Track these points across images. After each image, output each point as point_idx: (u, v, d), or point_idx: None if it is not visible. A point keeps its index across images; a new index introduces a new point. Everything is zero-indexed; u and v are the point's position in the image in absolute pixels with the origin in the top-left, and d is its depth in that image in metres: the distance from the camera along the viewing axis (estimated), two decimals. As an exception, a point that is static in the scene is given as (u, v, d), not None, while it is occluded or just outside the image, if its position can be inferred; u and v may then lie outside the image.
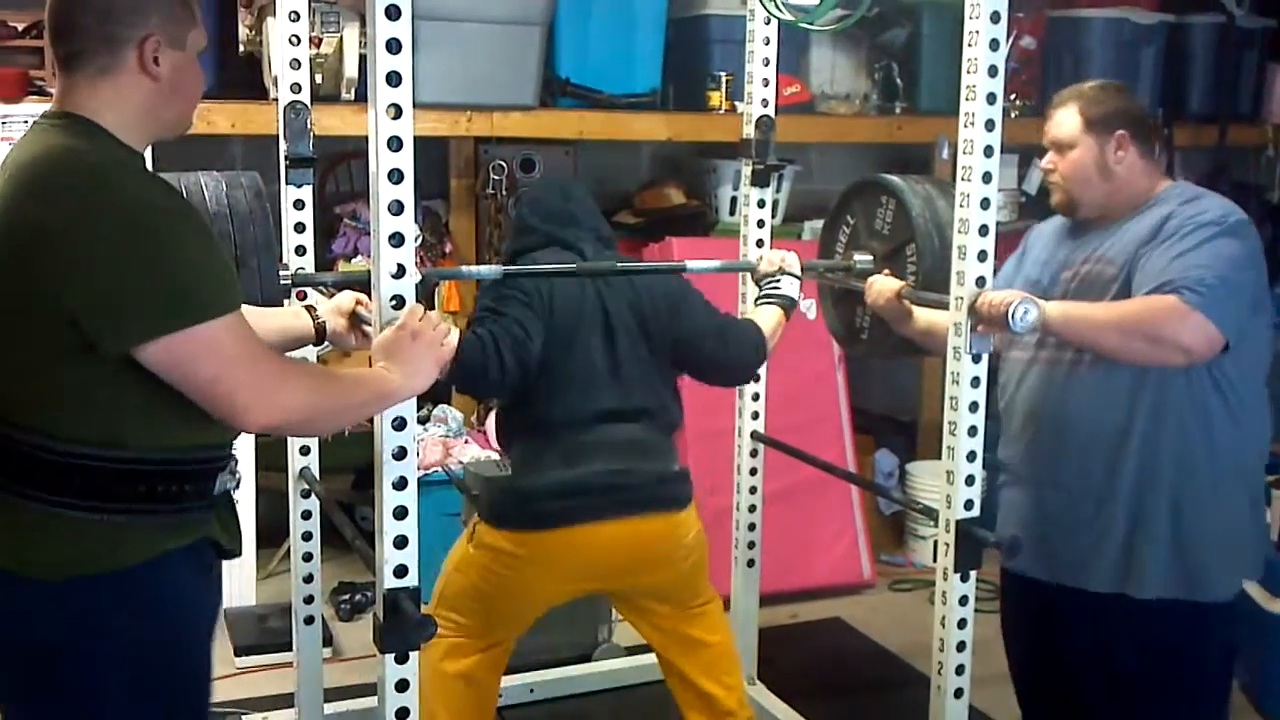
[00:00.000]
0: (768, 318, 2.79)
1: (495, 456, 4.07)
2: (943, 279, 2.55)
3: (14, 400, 1.77)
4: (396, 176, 1.95)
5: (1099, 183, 2.51)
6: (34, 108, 3.75)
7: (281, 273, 2.61)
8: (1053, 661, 2.62)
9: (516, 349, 2.51)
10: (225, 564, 1.99)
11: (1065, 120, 2.54)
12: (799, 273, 2.90)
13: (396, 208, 1.96)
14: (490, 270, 2.74)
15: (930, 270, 2.78)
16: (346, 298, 2.48)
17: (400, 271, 1.99)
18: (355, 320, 2.45)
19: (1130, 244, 2.44)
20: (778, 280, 2.87)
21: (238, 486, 1.96)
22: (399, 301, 2.00)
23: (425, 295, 2.56)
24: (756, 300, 2.89)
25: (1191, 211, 2.41)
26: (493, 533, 2.59)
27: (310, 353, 2.56)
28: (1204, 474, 2.42)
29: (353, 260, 4.31)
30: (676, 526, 2.65)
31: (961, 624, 2.47)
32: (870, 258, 2.97)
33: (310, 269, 2.93)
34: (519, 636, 2.79)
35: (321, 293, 2.72)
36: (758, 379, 2.92)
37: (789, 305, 2.85)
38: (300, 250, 2.92)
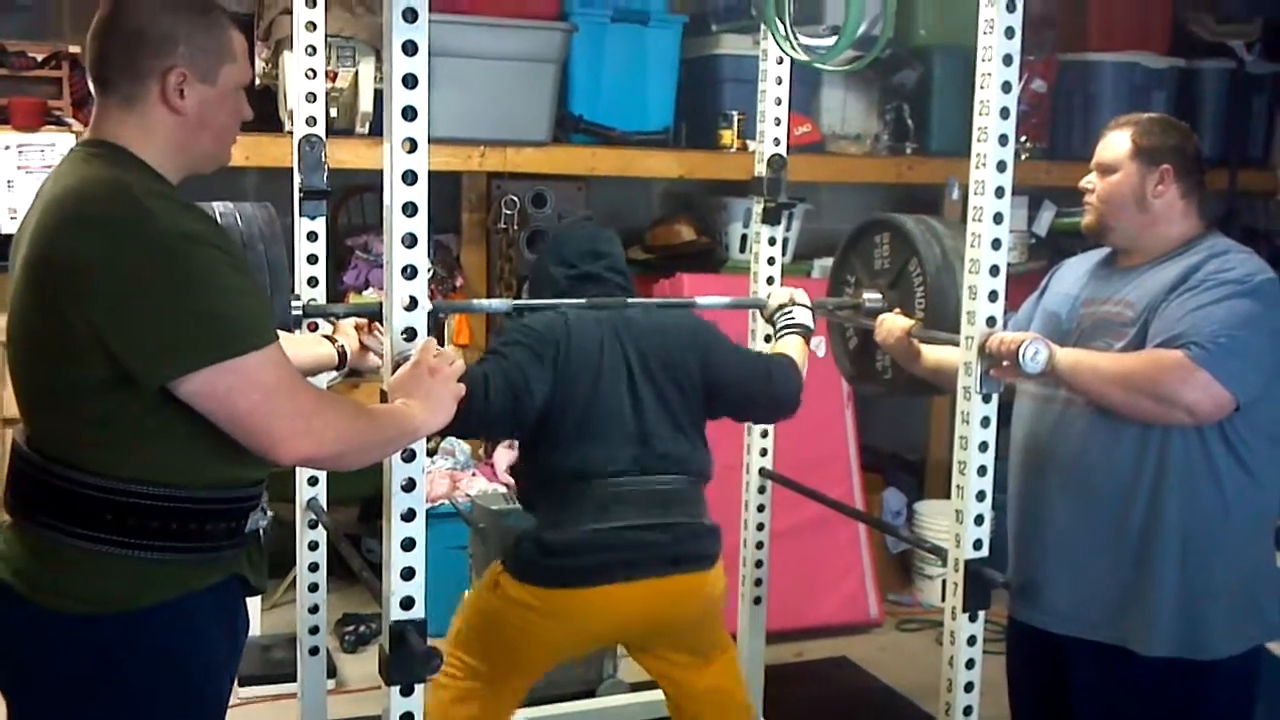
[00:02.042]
0: (795, 348, 2.76)
1: (502, 490, 4.07)
2: (950, 284, 2.58)
3: (51, 435, 1.78)
4: (410, 210, 1.96)
5: (1133, 212, 2.46)
6: (52, 137, 3.80)
7: (293, 303, 2.63)
8: (1056, 712, 2.57)
9: (510, 390, 2.44)
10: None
11: (1115, 143, 2.49)
12: (809, 303, 2.89)
13: (410, 240, 1.97)
14: (500, 304, 2.75)
15: (936, 276, 2.79)
16: (350, 320, 2.50)
17: (413, 304, 2.00)
18: (363, 345, 2.49)
19: (1152, 290, 2.40)
20: (791, 311, 2.86)
21: (269, 525, 1.95)
22: (410, 334, 2.01)
23: (435, 328, 2.58)
24: (776, 332, 2.87)
25: (1217, 266, 2.36)
26: (518, 586, 2.51)
27: (321, 380, 2.57)
28: (1213, 530, 2.37)
29: (364, 293, 4.33)
30: (706, 584, 2.58)
31: (969, 664, 2.46)
32: (879, 296, 2.98)
33: (322, 300, 2.94)
34: (530, 686, 2.71)
35: (330, 323, 2.74)
36: (793, 412, 2.80)
37: (808, 334, 2.83)
38: (313, 281, 2.93)
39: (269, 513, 1.93)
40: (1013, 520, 2.63)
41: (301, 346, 2.40)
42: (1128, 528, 2.39)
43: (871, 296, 3.00)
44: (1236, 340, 2.27)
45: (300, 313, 2.68)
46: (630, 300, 2.66)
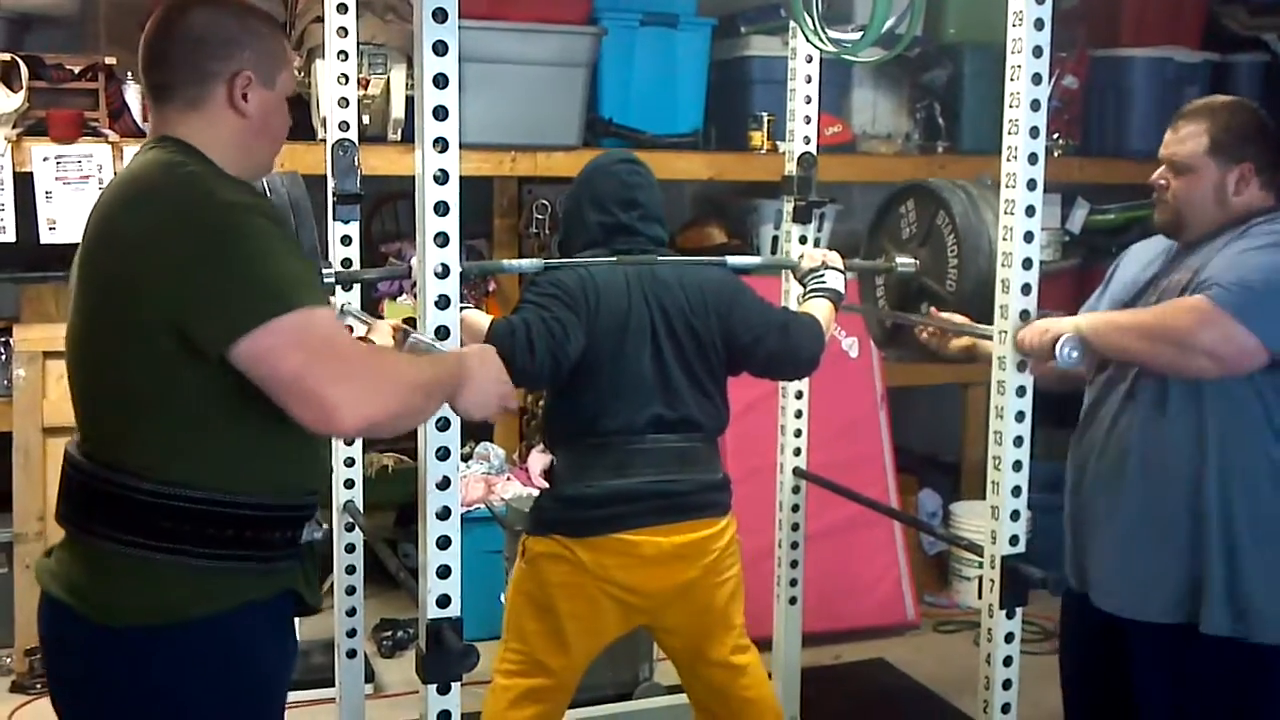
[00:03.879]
0: (820, 310, 2.77)
1: (537, 493, 4.07)
2: (980, 223, 2.59)
3: (105, 437, 1.76)
4: (442, 209, 1.98)
5: (1213, 211, 2.38)
6: (89, 148, 3.84)
7: (325, 270, 2.59)
8: (1113, 697, 2.55)
9: (551, 344, 2.48)
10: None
11: (1190, 139, 2.38)
12: (842, 267, 2.89)
13: (442, 240, 1.98)
14: (530, 263, 2.73)
15: (964, 217, 2.77)
16: (385, 329, 2.47)
17: (445, 302, 2.01)
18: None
19: (1212, 256, 2.34)
20: (822, 275, 2.85)
21: (323, 539, 1.93)
22: (444, 332, 2.01)
23: (475, 296, 2.57)
24: (804, 295, 2.87)
25: (1270, 219, 2.32)
26: (541, 540, 2.60)
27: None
28: (1267, 512, 2.34)
29: (398, 299, 4.36)
30: (718, 531, 2.64)
31: (1007, 661, 2.45)
32: (912, 260, 2.97)
33: (357, 304, 2.96)
34: (580, 670, 2.73)
35: (358, 320, 2.76)
36: (812, 370, 2.81)
37: (837, 299, 2.82)
38: (347, 286, 2.95)
39: (323, 525, 1.91)
40: (1070, 507, 2.59)
41: None
42: (1184, 511, 2.37)
43: (904, 260, 2.98)
44: (1271, 286, 2.19)
45: (333, 279, 2.67)
46: (659, 259, 2.67)
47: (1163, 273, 2.47)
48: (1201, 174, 2.38)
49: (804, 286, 2.89)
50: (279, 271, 1.67)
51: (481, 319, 2.53)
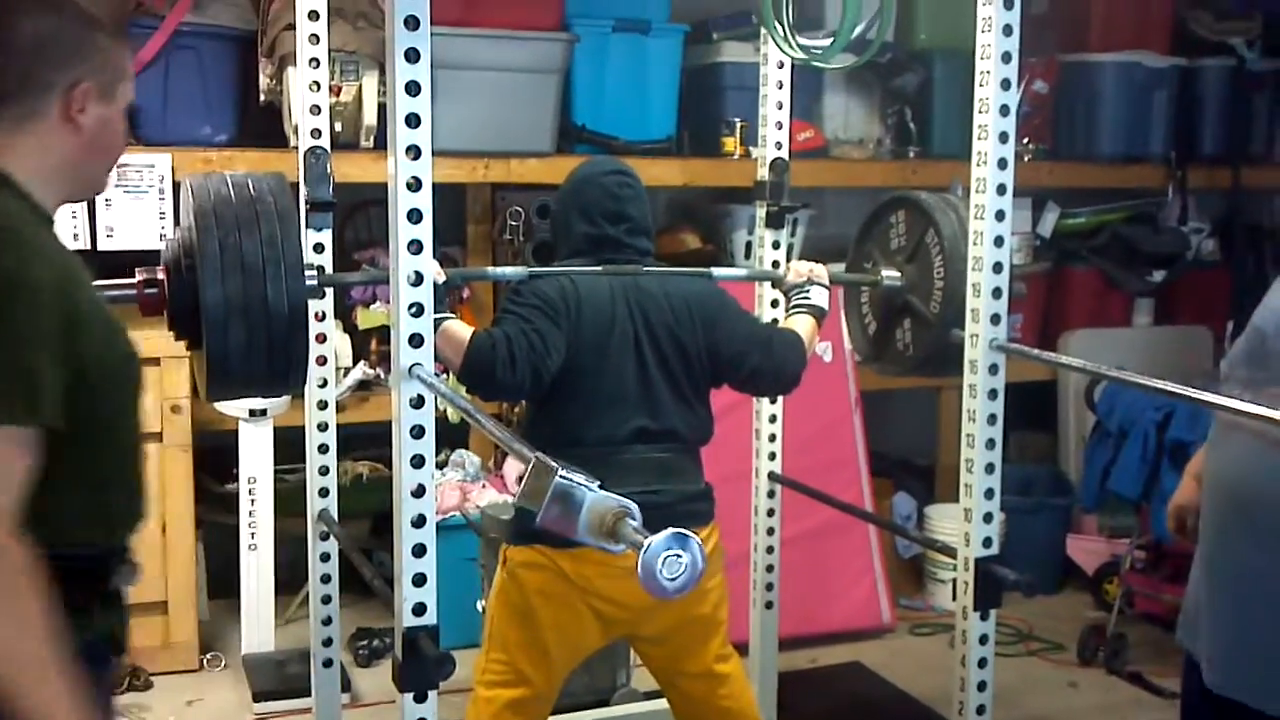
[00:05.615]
0: (803, 326, 2.78)
1: (512, 500, 4.07)
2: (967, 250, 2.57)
3: None
4: (415, 216, 1.97)
5: None
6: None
7: (307, 273, 2.53)
8: None
9: (532, 357, 2.47)
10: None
11: None
12: (827, 283, 2.90)
13: (415, 247, 1.98)
14: (516, 271, 2.73)
15: (953, 241, 2.77)
16: None
17: (419, 311, 2.01)
18: None
19: None
20: (807, 291, 2.86)
21: (135, 582, 1.70)
22: (417, 340, 2.01)
23: (450, 303, 2.50)
24: (788, 310, 2.88)
25: None
26: (521, 550, 2.58)
27: (331, 392, 2.56)
28: None
29: (371, 307, 4.34)
30: (700, 538, 2.62)
31: (982, 663, 2.46)
32: (898, 274, 2.98)
33: (330, 311, 2.96)
34: (560, 682, 2.71)
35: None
36: (793, 387, 2.79)
37: (820, 315, 2.83)
38: (320, 294, 2.94)
39: (138, 567, 1.69)
40: (1202, 572, 2.32)
41: None
42: None
43: (890, 274, 2.99)
44: None
45: (315, 282, 2.63)
46: (645, 269, 2.67)
47: None
48: None
49: (788, 300, 2.90)
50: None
51: (463, 330, 2.51)
